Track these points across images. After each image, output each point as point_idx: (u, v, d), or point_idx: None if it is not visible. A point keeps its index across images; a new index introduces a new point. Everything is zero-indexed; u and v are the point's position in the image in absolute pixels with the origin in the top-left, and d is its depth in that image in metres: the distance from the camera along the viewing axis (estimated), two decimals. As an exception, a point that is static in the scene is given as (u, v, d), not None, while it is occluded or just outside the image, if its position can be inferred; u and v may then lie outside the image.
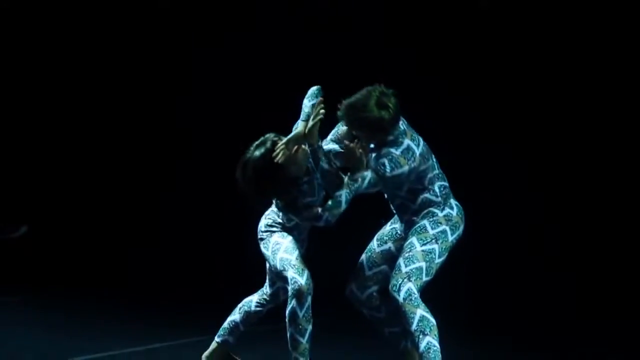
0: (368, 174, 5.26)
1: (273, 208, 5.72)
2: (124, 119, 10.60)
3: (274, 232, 5.65)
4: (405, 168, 5.29)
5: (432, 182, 5.42)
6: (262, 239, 5.68)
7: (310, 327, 5.46)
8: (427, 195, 5.39)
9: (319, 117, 5.36)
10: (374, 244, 5.63)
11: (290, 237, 5.62)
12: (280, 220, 5.67)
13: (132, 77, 10.49)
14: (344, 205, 5.31)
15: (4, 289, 8.76)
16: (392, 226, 5.59)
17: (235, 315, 5.93)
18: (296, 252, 5.54)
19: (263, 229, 5.69)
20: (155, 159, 10.42)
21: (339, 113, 5.33)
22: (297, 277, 5.44)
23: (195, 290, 8.88)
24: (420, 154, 5.33)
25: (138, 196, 10.45)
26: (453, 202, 5.44)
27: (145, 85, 10.44)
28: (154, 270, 9.52)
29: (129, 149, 10.56)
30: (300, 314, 5.45)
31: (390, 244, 5.56)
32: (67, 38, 10.53)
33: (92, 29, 10.51)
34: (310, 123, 5.38)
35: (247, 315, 5.91)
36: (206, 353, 5.99)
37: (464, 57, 8.90)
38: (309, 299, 5.44)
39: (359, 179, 5.25)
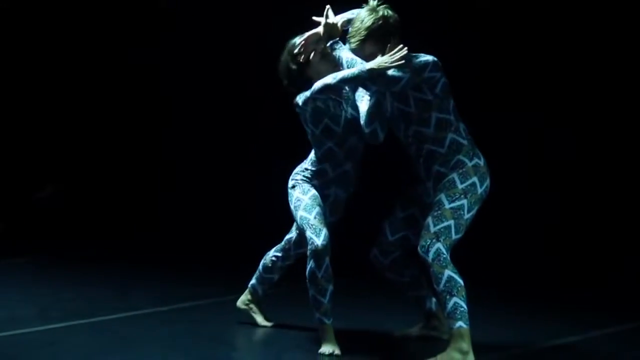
0: None
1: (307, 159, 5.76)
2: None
3: (299, 183, 5.68)
4: (429, 58, 5.27)
5: (457, 116, 5.37)
6: (288, 189, 5.72)
7: (331, 287, 5.48)
8: (454, 136, 5.33)
9: (328, 10, 5.47)
10: (396, 209, 5.62)
11: (311, 192, 5.64)
12: (308, 167, 5.70)
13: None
14: (357, 71, 5.25)
15: (33, 248, 8.83)
16: (416, 191, 5.56)
17: (260, 265, 6.03)
18: (315, 210, 5.55)
19: (292, 177, 5.74)
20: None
21: (349, 45, 5.37)
22: (314, 237, 5.46)
23: (225, 248, 8.89)
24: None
25: (166, 150, 10.51)
26: (478, 151, 5.40)
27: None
28: (182, 229, 9.55)
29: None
30: (319, 274, 5.47)
31: (414, 210, 5.56)
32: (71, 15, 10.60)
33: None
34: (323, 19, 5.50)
35: (264, 266, 6.03)
36: (242, 297, 6.12)
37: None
38: (327, 259, 5.47)
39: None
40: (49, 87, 10.60)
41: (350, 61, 5.33)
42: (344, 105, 5.61)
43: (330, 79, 5.37)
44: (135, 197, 10.40)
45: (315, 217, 5.52)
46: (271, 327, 6.06)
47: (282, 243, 5.99)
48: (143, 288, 7.22)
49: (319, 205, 5.59)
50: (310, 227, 5.50)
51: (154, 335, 5.89)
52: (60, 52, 10.54)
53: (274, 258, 5.99)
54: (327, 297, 5.50)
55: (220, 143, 10.15)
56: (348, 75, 5.31)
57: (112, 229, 9.77)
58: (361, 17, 5.34)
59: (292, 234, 5.94)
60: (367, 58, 5.31)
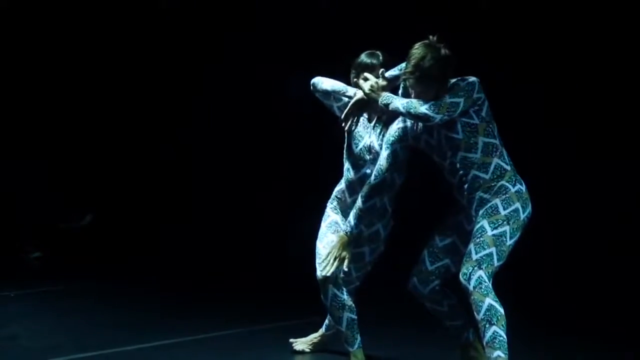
0: None
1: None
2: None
3: (327, 206, 5.80)
4: (473, 78, 5.27)
5: (501, 141, 5.35)
6: None
7: (347, 314, 5.57)
8: (499, 161, 5.31)
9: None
10: (435, 238, 5.58)
11: (330, 219, 5.74)
12: (338, 187, 5.78)
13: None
14: (402, 106, 5.25)
15: (69, 276, 8.85)
16: (456, 218, 5.52)
17: None
18: (326, 239, 5.64)
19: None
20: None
21: (407, 82, 5.33)
22: (317, 267, 5.57)
23: (257, 276, 8.88)
24: None
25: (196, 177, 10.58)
26: (519, 177, 5.37)
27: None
28: (213, 257, 9.55)
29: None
30: (327, 303, 5.61)
31: (454, 238, 5.52)
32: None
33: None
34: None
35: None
36: None
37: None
38: (330, 287, 5.56)
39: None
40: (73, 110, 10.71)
41: (406, 105, 5.28)
42: (371, 131, 5.64)
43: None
44: (163, 223, 10.44)
45: (324, 247, 5.62)
46: (308, 354, 6.04)
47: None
48: (178, 316, 7.21)
49: (334, 232, 5.65)
50: (317, 256, 5.62)
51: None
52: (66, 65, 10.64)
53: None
54: (344, 325, 5.60)
55: (244, 169, 10.22)
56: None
57: (143, 257, 9.77)
58: (421, 54, 5.24)
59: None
60: (419, 94, 5.28)
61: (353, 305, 5.62)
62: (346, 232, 5.51)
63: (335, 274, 5.53)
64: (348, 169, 5.72)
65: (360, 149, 5.66)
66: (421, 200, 7.83)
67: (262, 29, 10.06)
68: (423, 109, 5.21)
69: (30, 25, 10.37)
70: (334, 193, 5.82)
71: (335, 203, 5.79)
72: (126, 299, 7.83)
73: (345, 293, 5.59)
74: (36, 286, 8.32)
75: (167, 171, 10.81)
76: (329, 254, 5.49)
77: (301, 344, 6.11)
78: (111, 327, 6.81)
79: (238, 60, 10.29)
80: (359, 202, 5.47)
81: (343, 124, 5.59)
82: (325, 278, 5.52)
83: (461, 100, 5.21)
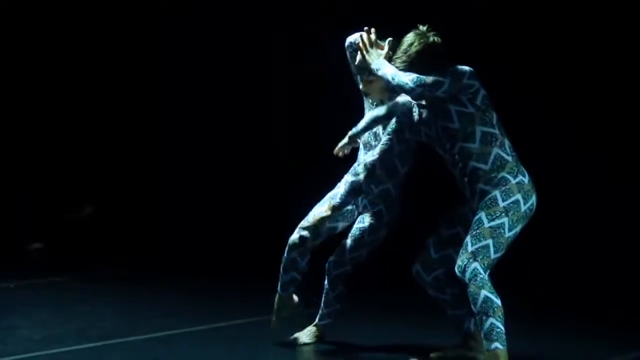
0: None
1: None
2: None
3: (347, 173, 5.88)
4: (466, 67, 5.28)
5: (502, 131, 5.35)
6: None
7: (287, 278, 5.84)
8: (499, 151, 5.29)
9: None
10: (441, 227, 5.61)
11: (335, 190, 5.81)
12: (356, 164, 5.87)
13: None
14: (390, 74, 5.29)
15: (70, 267, 8.88)
16: (462, 210, 5.53)
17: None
18: (317, 208, 5.77)
19: None
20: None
21: (401, 66, 5.33)
22: (295, 231, 5.77)
23: (256, 266, 8.89)
24: None
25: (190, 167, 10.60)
26: (523, 168, 5.37)
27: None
28: (211, 247, 9.56)
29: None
30: (283, 259, 5.84)
31: (459, 229, 5.52)
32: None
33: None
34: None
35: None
36: None
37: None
38: (294, 252, 5.78)
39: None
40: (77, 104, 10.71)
41: (394, 73, 5.31)
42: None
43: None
44: (162, 215, 10.45)
45: (312, 214, 5.79)
46: (308, 345, 6.07)
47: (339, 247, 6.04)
48: (178, 308, 7.24)
49: (327, 202, 5.77)
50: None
51: (192, 355, 5.92)
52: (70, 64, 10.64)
53: (327, 264, 6.01)
54: (279, 285, 5.88)
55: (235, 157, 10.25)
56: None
57: (142, 247, 9.79)
58: (410, 41, 5.31)
59: (347, 239, 5.97)
60: None
61: (306, 271, 5.83)
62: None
63: (307, 244, 5.70)
64: (361, 149, 5.83)
65: (369, 133, 5.72)
66: (429, 190, 7.84)
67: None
68: (407, 79, 5.25)
69: (26, 25, 10.40)
70: (355, 164, 5.88)
71: (348, 176, 5.85)
72: (127, 290, 7.86)
73: (305, 262, 5.80)
74: (36, 277, 8.34)
75: (166, 166, 10.80)
76: (312, 221, 5.69)
77: (300, 337, 6.13)
78: (112, 318, 6.84)
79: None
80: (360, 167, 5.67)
81: (335, 151, 5.71)
82: (292, 243, 5.73)
83: (446, 80, 5.22)
